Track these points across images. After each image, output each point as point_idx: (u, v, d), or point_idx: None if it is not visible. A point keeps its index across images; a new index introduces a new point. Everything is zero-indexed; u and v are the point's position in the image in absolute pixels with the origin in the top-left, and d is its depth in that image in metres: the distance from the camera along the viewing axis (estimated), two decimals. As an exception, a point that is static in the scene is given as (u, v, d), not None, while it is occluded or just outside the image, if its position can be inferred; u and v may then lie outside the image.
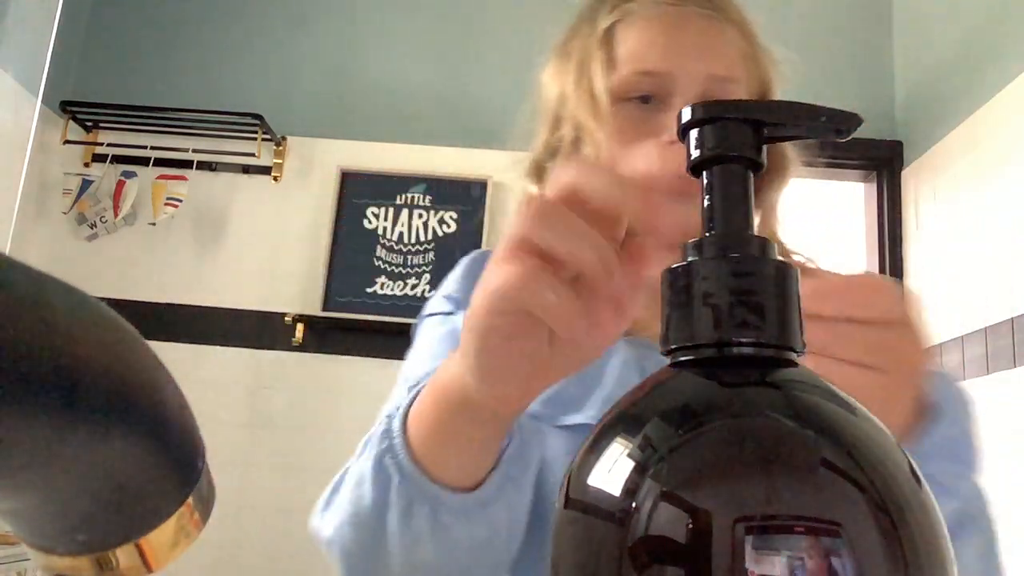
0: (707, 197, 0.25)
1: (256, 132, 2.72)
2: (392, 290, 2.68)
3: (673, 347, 0.24)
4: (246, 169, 2.79)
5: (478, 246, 2.65)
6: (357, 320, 2.62)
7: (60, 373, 0.25)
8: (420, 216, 2.74)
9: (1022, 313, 1.97)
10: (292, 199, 2.78)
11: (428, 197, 2.76)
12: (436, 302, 0.72)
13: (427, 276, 2.69)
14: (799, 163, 0.70)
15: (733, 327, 0.22)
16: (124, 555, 0.30)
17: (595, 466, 0.22)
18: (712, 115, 0.25)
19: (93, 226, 2.71)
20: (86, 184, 2.71)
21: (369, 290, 2.68)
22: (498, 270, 0.35)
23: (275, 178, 2.78)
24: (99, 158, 2.79)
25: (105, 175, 2.72)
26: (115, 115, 2.76)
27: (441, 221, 2.74)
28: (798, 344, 0.23)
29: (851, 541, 0.18)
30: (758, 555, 0.18)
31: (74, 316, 0.27)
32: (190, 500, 0.32)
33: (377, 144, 2.80)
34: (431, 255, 2.71)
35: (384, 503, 0.50)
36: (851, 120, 0.25)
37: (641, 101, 0.64)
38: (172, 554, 0.31)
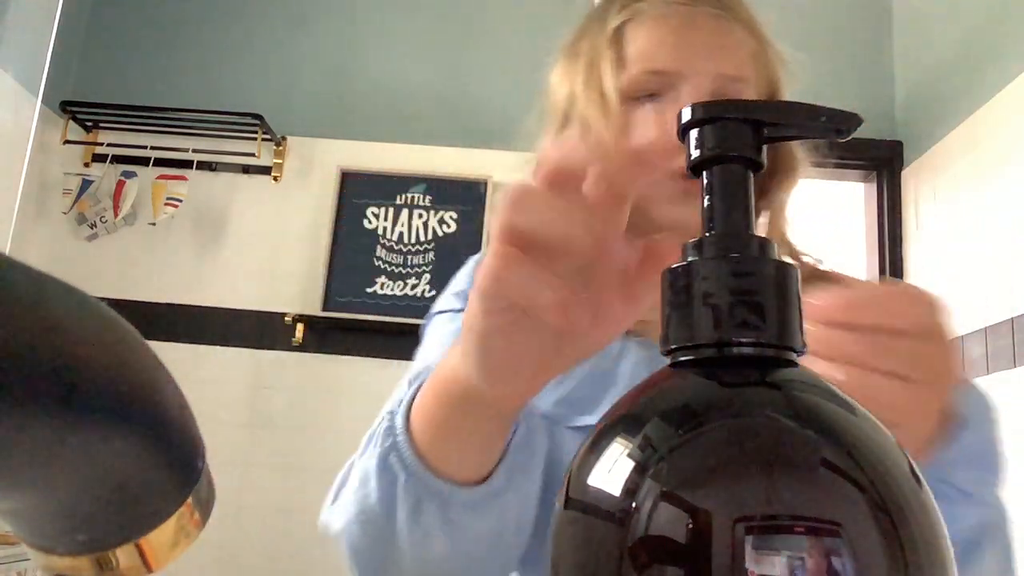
0: (707, 197, 0.25)
1: (256, 132, 2.72)
2: (392, 290, 2.68)
3: (673, 347, 0.24)
4: (246, 169, 2.79)
5: (478, 246, 2.65)
6: (357, 320, 2.62)
7: (60, 373, 0.25)
8: (420, 216, 2.74)
9: (1022, 313, 1.97)
10: (292, 199, 2.78)
11: (428, 197, 2.76)
12: (445, 300, 0.72)
13: (427, 276, 2.69)
14: (808, 163, 0.70)
15: (733, 327, 0.22)
16: (124, 555, 0.30)
17: (595, 466, 0.22)
18: (712, 115, 0.25)
19: (93, 226, 2.71)
20: (86, 184, 2.71)
21: (369, 290, 2.68)
22: (482, 267, 0.34)
23: (275, 178, 2.78)
24: (99, 158, 2.79)
25: (105, 175, 2.72)
26: (115, 115, 2.76)
27: (441, 221, 2.74)
28: (798, 344, 0.23)
29: (851, 541, 0.18)
30: (758, 555, 0.18)
31: (74, 316, 0.27)
32: (190, 500, 0.32)
33: (377, 144, 2.80)
34: (431, 255, 2.71)
35: (391, 502, 0.49)
36: (851, 120, 0.25)
37: (650, 99, 0.64)
38: (172, 554, 0.31)
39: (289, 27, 2.93)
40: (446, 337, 0.66)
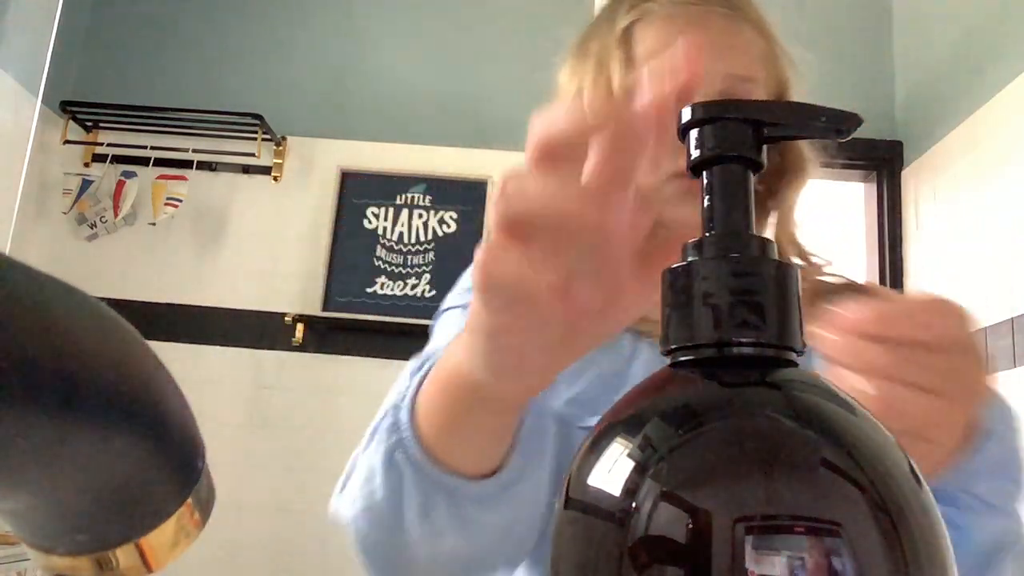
0: (707, 197, 0.25)
1: (256, 132, 2.73)
2: (392, 290, 2.68)
3: (673, 347, 0.24)
4: (246, 169, 2.79)
5: (478, 246, 2.65)
6: (357, 320, 2.62)
7: (60, 373, 0.25)
8: (420, 216, 2.74)
9: (1022, 313, 1.97)
10: (292, 199, 2.78)
11: (428, 197, 2.76)
12: (454, 296, 0.71)
13: (427, 276, 2.69)
14: (817, 164, 0.70)
15: (733, 327, 0.22)
16: (124, 555, 0.30)
17: (595, 466, 0.22)
18: (712, 115, 0.25)
19: (93, 226, 2.71)
20: (86, 184, 2.71)
21: (369, 290, 2.68)
22: (474, 263, 0.32)
23: (275, 178, 2.78)
24: (99, 158, 2.79)
25: (105, 175, 2.72)
26: (115, 115, 2.76)
27: (441, 221, 2.74)
28: (798, 344, 0.23)
29: (851, 541, 0.18)
30: (758, 555, 0.18)
31: (74, 316, 0.27)
32: (190, 500, 0.32)
33: (377, 144, 2.80)
34: (431, 255, 2.71)
35: (398, 499, 0.49)
36: (851, 120, 0.25)
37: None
38: (172, 554, 0.31)
39: (289, 27, 2.93)
40: (454, 334, 0.66)
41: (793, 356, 0.23)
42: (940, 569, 0.20)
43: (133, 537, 0.30)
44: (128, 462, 0.29)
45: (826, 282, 0.69)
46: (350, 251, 2.71)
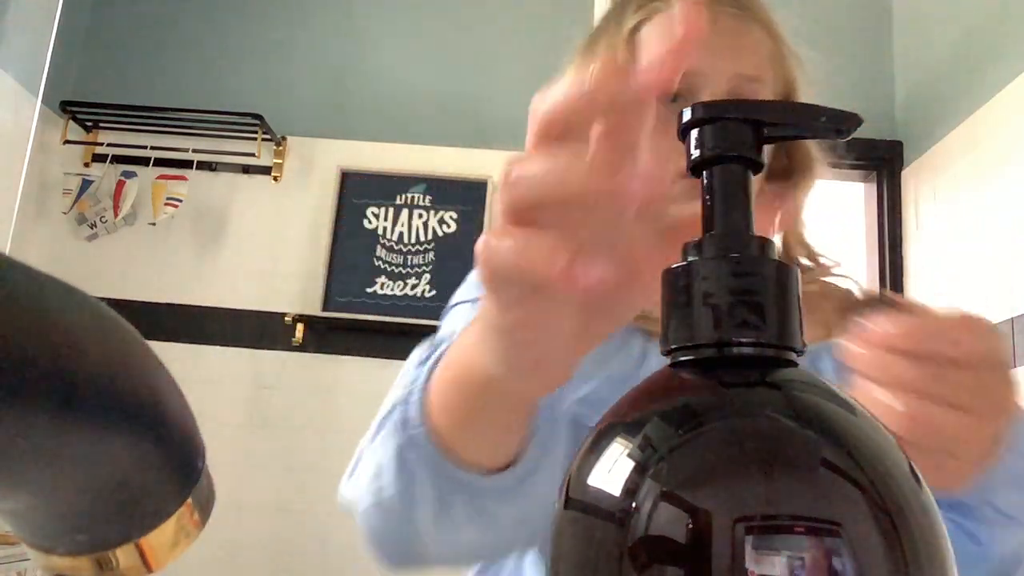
0: (707, 197, 0.25)
1: (256, 132, 2.73)
2: (392, 290, 2.68)
3: (673, 347, 0.24)
4: (246, 169, 2.79)
5: (479, 242, 2.65)
6: (357, 320, 2.62)
7: (60, 373, 0.25)
8: (420, 216, 2.74)
9: (1022, 313, 1.97)
10: (292, 199, 2.78)
11: (428, 197, 2.76)
12: (465, 290, 0.70)
13: (427, 276, 2.69)
14: (825, 164, 0.70)
15: (733, 327, 0.22)
16: (124, 555, 0.30)
17: (595, 466, 0.22)
18: (712, 115, 0.25)
19: (93, 226, 2.71)
20: (86, 184, 2.71)
21: (369, 290, 2.68)
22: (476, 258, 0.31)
23: (275, 178, 2.78)
24: (99, 158, 2.79)
25: (105, 175, 2.73)
26: (115, 115, 2.76)
27: (441, 221, 2.74)
28: (798, 344, 0.23)
29: (851, 541, 0.18)
30: (758, 555, 0.18)
31: (74, 316, 0.27)
32: (190, 500, 0.32)
33: (377, 144, 2.80)
34: (431, 255, 2.71)
35: (410, 496, 0.48)
36: (851, 120, 0.25)
37: (668, 100, 0.64)
38: (172, 554, 0.31)
39: (289, 27, 2.93)
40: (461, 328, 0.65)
41: (793, 356, 0.23)
42: (940, 569, 0.20)
43: (133, 537, 0.30)
44: (128, 462, 0.29)
45: (857, 296, 0.69)
46: (350, 251, 2.71)
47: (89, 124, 2.81)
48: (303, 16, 2.94)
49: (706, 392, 0.23)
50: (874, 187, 2.75)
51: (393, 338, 2.58)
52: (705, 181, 0.25)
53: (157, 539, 0.31)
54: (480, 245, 0.30)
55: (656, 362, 0.65)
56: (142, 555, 0.30)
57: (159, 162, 2.75)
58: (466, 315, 0.67)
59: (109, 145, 2.80)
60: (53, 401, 0.25)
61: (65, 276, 0.27)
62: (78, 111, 2.76)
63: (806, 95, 0.70)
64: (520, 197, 0.29)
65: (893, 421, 0.38)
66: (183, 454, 0.31)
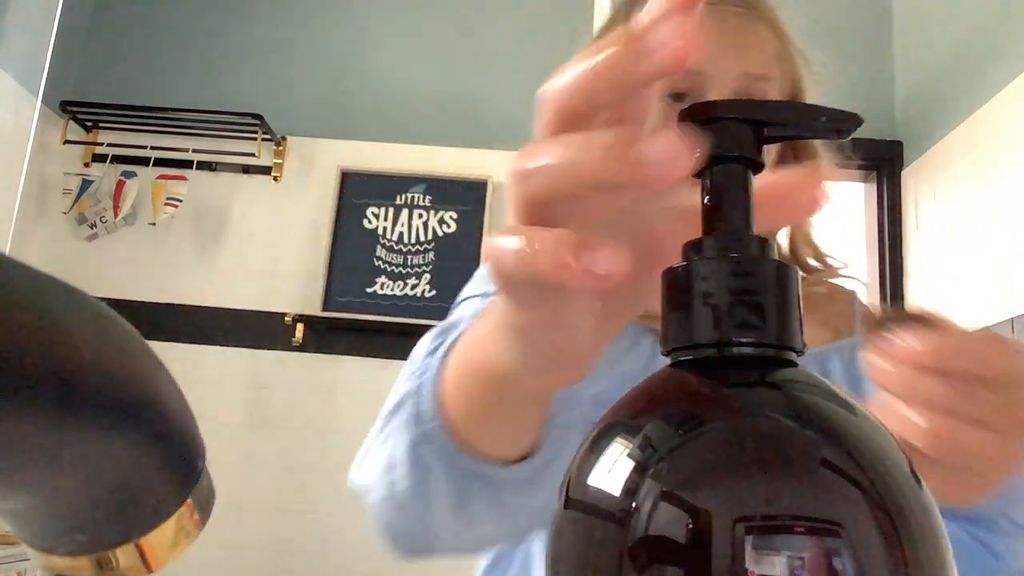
0: (707, 197, 0.25)
1: (256, 132, 2.73)
2: (392, 290, 2.68)
3: (673, 347, 0.24)
4: (246, 169, 2.80)
5: (479, 246, 2.65)
6: (357, 320, 2.62)
7: (60, 373, 0.25)
8: (420, 216, 2.74)
9: (1022, 313, 1.97)
10: (292, 199, 2.78)
11: (428, 197, 2.76)
12: (474, 284, 0.69)
13: (427, 276, 2.69)
14: (832, 164, 0.70)
15: (733, 327, 0.22)
16: (124, 555, 0.30)
17: (595, 466, 0.22)
18: (712, 115, 0.25)
19: (93, 226, 2.71)
20: (86, 184, 2.71)
21: (369, 290, 2.68)
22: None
23: (275, 178, 2.79)
24: (99, 158, 2.79)
25: (105, 175, 2.73)
26: (115, 115, 2.76)
27: (441, 221, 2.74)
28: (798, 344, 0.23)
29: (851, 541, 0.18)
30: (758, 555, 0.18)
31: (74, 316, 0.27)
32: (190, 500, 0.32)
33: (377, 144, 2.80)
34: (431, 255, 2.71)
35: (425, 492, 0.48)
36: (851, 120, 0.25)
37: (675, 99, 0.64)
38: (172, 554, 0.31)
39: (289, 27, 2.93)
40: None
41: (793, 356, 0.23)
42: (940, 569, 0.20)
43: (133, 537, 0.30)
44: (128, 462, 0.29)
45: (884, 310, 0.69)
46: (350, 251, 2.71)
47: (89, 124, 2.81)
48: (303, 16, 2.94)
49: (706, 392, 0.23)
50: (874, 187, 2.75)
51: (393, 338, 2.58)
52: (705, 181, 0.25)
53: (157, 539, 0.31)
54: (489, 247, 0.28)
55: (665, 362, 0.65)
56: (142, 555, 0.30)
57: (159, 162, 2.75)
58: (476, 308, 0.66)
59: (109, 145, 2.80)
60: (53, 401, 0.25)
61: (65, 276, 0.27)
62: (78, 111, 2.76)
63: (812, 94, 0.70)
64: (534, 191, 0.27)
65: (918, 438, 0.38)
66: (183, 454, 0.31)
